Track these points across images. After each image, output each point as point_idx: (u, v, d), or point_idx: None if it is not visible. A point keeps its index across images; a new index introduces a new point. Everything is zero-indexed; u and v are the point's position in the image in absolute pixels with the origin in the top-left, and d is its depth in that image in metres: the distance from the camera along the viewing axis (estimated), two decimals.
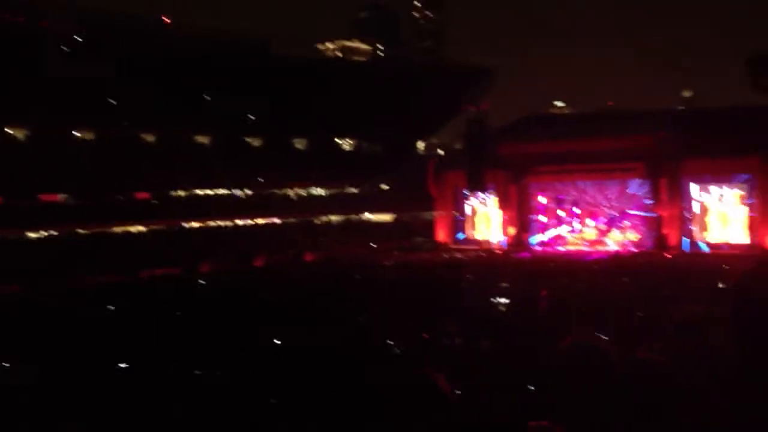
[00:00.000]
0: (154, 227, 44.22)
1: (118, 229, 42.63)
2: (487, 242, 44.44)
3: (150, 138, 54.38)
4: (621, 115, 48.43)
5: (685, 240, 39.01)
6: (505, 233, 43.84)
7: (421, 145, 79.27)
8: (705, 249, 38.17)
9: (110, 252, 35.58)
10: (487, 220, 45.43)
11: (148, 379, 11.24)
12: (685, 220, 39.34)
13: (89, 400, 9.62)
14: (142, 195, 47.09)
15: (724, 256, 35.46)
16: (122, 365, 11.98)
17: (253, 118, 55.45)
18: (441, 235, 45.95)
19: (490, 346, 14.23)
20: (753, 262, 29.64)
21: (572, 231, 42.63)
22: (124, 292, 21.58)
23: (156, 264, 31.50)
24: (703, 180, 39.34)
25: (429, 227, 47.29)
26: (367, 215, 55.15)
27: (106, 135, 50.72)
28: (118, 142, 49.92)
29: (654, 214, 39.70)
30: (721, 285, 22.60)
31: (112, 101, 49.89)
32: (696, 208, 39.29)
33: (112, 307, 17.21)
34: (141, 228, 43.66)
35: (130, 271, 28.74)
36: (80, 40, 47.83)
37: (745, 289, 21.26)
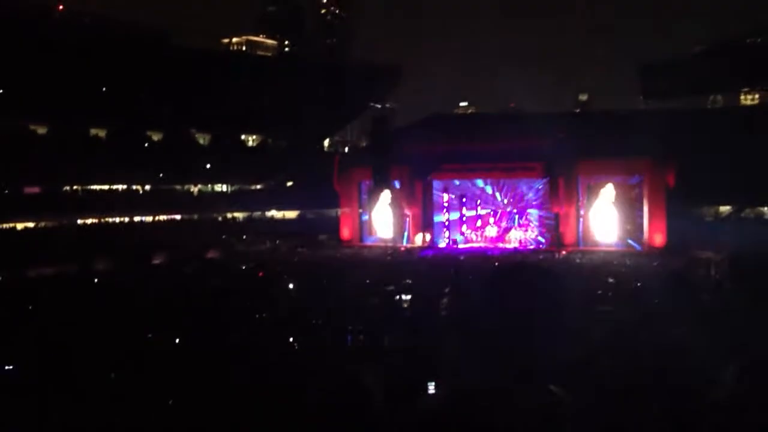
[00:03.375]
0: (45, 223, 42.09)
1: (5, 225, 40.33)
2: (392, 239, 44.71)
3: (42, 130, 51.86)
4: (522, 116, 49.90)
5: (580, 237, 40.54)
6: (409, 230, 44.23)
7: (326, 141, 79.11)
8: (598, 245, 39.75)
9: None
10: (392, 217, 45.69)
11: (32, 382, 10.60)
12: (580, 218, 40.87)
13: None
14: (32, 189, 44.78)
15: (614, 252, 37.13)
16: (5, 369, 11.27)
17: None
18: (346, 232, 45.89)
19: (392, 343, 14.25)
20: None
21: (475, 229, 43.48)
22: (8, 291, 20.35)
23: (46, 262, 29.89)
24: (598, 180, 40.97)
25: (334, 224, 47.14)
26: (271, 212, 54.50)
27: None
28: (7, 134, 47.25)
29: (552, 213, 41.03)
30: (610, 279, 23.57)
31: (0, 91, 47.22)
32: (590, 206, 40.88)
33: None
34: (29, 224, 41.44)
35: (16, 269, 27.12)
36: None
37: None
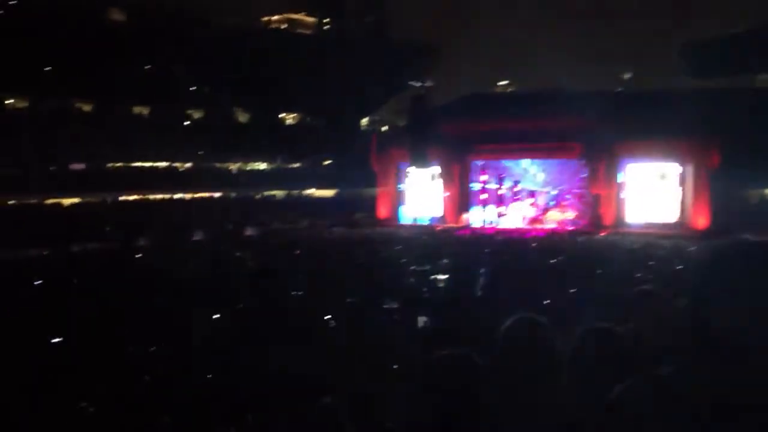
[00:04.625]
0: (89, 199, 43.00)
1: (49, 201, 41.31)
2: (429, 219, 44.72)
3: (87, 107, 52.80)
4: (562, 95, 49.11)
5: (620, 218, 40.03)
6: (445, 210, 44.15)
7: (364, 120, 79.07)
8: (638, 227, 39.22)
9: (41, 224, 34.40)
10: (429, 197, 45.65)
11: (78, 357, 10.91)
12: (620, 199, 40.32)
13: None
14: (77, 166, 45.74)
15: (655, 234, 36.55)
16: (52, 343, 11.60)
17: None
18: (383, 211, 45.98)
19: (428, 323, 14.31)
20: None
21: (512, 209, 43.22)
22: (53, 265, 20.88)
23: (89, 237, 30.64)
24: (639, 160, 40.33)
25: (371, 203, 47.27)
26: (308, 190, 54.81)
27: (39, 103, 48.99)
28: (53, 111, 48.23)
29: (591, 193, 40.55)
30: (651, 262, 23.21)
31: (47, 69, 48.15)
32: (630, 187, 40.29)
33: (39, 282, 16.64)
34: (75, 200, 42.40)
35: (60, 244, 27.84)
36: (12, 2, 46.03)
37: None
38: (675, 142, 38.76)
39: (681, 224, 38.49)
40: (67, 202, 42.09)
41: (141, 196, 46.28)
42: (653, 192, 39.86)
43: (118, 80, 49.36)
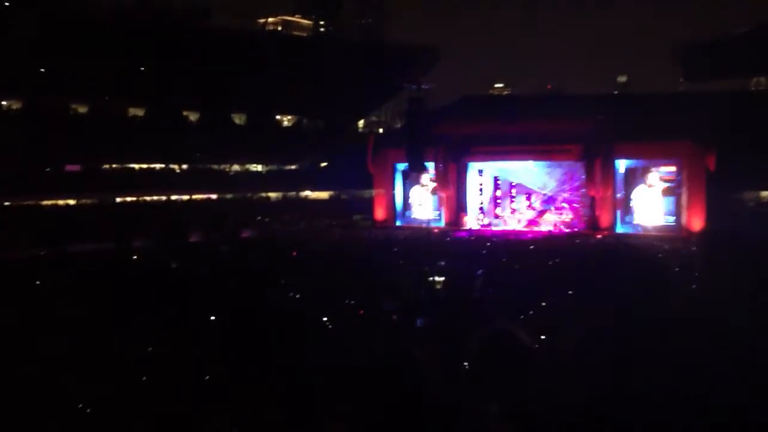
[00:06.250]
0: (85, 201, 42.92)
1: (46, 202, 41.23)
2: (426, 221, 44.74)
3: (82, 109, 52.67)
4: (559, 98, 49.26)
5: (617, 221, 40.06)
6: (443, 212, 44.16)
7: (361, 122, 79.05)
8: (634, 230, 39.26)
9: (38, 226, 34.31)
10: (425, 199, 45.67)
11: (74, 357, 10.87)
12: (617, 201, 40.34)
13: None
14: (73, 167, 45.63)
15: (652, 237, 36.61)
16: (50, 342, 11.56)
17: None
18: (380, 213, 45.99)
19: (426, 324, 14.29)
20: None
21: (509, 211, 43.25)
22: (51, 266, 20.84)
23: (86, 239, 30.54)
24: (636, 163, 40.37)
25: (368, 205, 47.27)
26: (305, 192, 54.78)
27: (35, 104, 48.84)
28: (48, 113, 48.10)
29: (588, 196, 40.57)
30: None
31: (41, 70, 48.01)
32: (627, 190, 40.33)
33: (38, 282, 16.62)
34: (71, 201, 42.32)
35: (57, 245, 27.76)
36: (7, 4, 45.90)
37: None
38: (672, 145, 38.77)
39: (677, 227, 38.52)
40: (62, 202, 42.03)
41: (137, 198, 46.21)
42: (649, 195, 39.89)
43: (113, 81, 49.28)
